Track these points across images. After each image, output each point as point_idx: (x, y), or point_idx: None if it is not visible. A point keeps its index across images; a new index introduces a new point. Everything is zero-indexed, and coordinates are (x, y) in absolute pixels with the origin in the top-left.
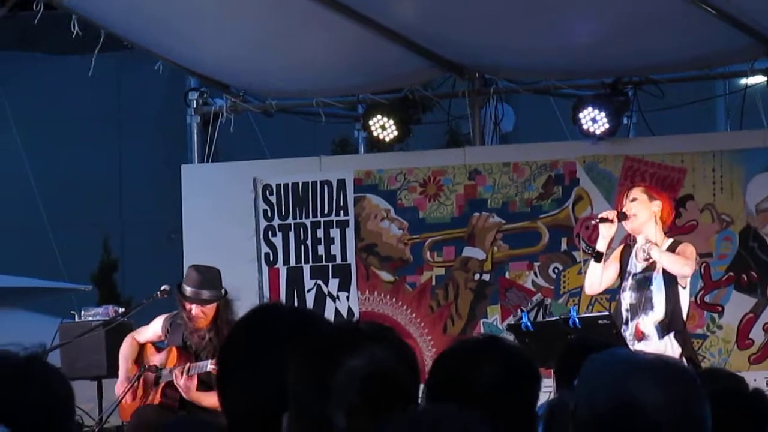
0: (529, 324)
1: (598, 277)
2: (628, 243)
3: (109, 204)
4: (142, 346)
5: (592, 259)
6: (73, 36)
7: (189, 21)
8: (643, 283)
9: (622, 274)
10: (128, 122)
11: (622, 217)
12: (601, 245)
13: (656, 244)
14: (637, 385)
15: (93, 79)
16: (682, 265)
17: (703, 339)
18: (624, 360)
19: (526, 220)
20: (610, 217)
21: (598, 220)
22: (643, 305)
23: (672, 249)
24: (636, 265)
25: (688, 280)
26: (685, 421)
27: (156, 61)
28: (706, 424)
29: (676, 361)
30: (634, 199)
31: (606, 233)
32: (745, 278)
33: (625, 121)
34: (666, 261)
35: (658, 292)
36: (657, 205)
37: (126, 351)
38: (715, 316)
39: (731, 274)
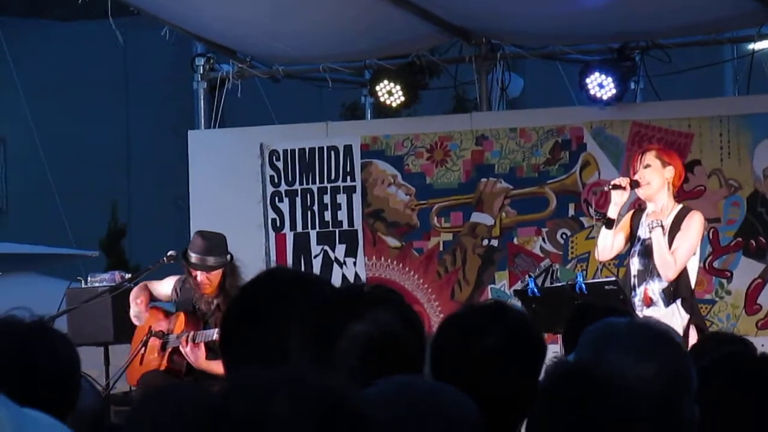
0: (535, 289)
1: (608, 244)
2: (638, 208)
3: (116, 170)
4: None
5: (603, 226)
6: (80, 2)
7: None
8: (651, 249)
9: (632, 239)
10: (135, 88)
11: (635, 185)
12: (612, 212)
13: (661, 225)
14: (617, 357)
15: (100, 46)
16: (668, 268)
17: (711, 304)
18: (605, 332)
19: (533, 185)
20: (623, 185)
21: (610, 187)
22: (650, 271)
23: (681, 217)
24: (645, 230)
25: (698, 247)
26: (669, 387)
27: (162, 26)
28: (690, 388)
29: (659, 329)
30: (647, 166)
31: (618, 200)
32: (754, 244)
33: (632, 87)
34: (657, 251)
35: None
36: (669, 171)
37: (136, 292)
38: (724, 281)
39: (740, 239)
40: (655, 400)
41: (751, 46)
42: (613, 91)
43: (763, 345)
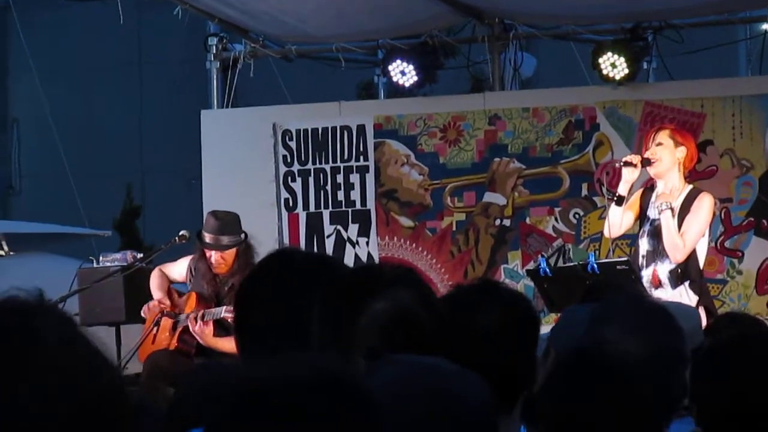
0: (547, 269)
1: (618, 220)
2: (648, 186)
3: (130, 150)
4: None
5: (614, 203)
6: None
7: None
8: (660, 230)
9: (642, 218)
10: (148, 68)
11: (646, 162)
12: (622, 189)
13: (670, 208)
14: (609, 333)
15: (113, 26)
16: (677, 250)
17: (722, 284)
18: (601, 309)
19: (546, 165)
20: (634, 162)
21: (621, 164)
22: (659, 253)
23: (691, 198)
24: (655, 211)
25: (708, 229)
26: (657, 362)
27: (175, 6)
28: (679, 364)
29: (654, 305)
30: (659, 144)
31: (629, 177)
32: (765, 223)
33: (645, 67)
34: (666, 234)
35: None
36: (681, 151)
37: (158, 281)
38: (735, 261)
39: (751, 219)
40: (643, 374)
41: (764, 26)
42: (626, 71)
43: None
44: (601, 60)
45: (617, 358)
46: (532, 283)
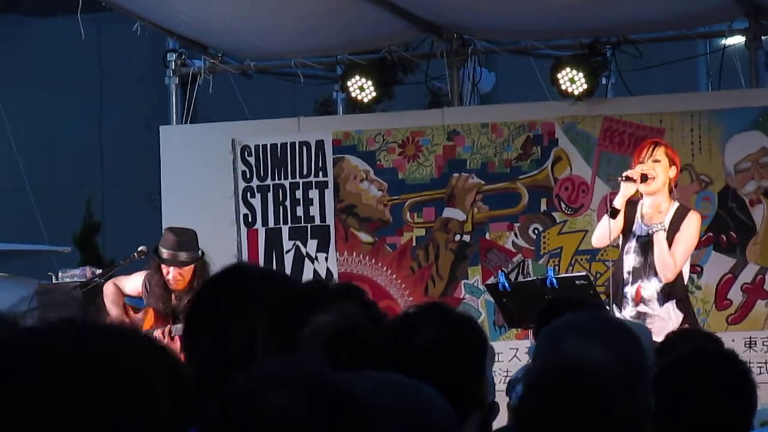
0: (506, 284)
1: (607, 231)
2: (632, 199)
3: (90, 166)
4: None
5: (607, 215)
6: None
7: None
8: (647, 247)
9: (626, 231)
10: (108, 84)
11: (644, 179)
12: (618, 202)
13: (663, 229)
14: (573, 344)
15: (73, 41)
16: (668, 269)
17: None
18: (563, 323)
19: (505, 180)
20: (634, 177)
21: (623, 179)
22: (646, 270)
23: (679, 216)
24: (642, 227)
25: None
26: (625, 374)
27: (135, 22)
28: (645, 378)
29: (616, 320)
30: (657, 160)
31: (627, 192)
32: (725, 238)
33: (603, 82)
34: (658, 253)
35: None
36: (673, 171)
37: (113, 297)
38: (694, 276)
39: (710, 234)
40: (612, 385)
41: (723, 41)
42: (585, 86)
43: (733, 340)
44: (559, 75)
45: (594, 373)
46: (490, 298)
